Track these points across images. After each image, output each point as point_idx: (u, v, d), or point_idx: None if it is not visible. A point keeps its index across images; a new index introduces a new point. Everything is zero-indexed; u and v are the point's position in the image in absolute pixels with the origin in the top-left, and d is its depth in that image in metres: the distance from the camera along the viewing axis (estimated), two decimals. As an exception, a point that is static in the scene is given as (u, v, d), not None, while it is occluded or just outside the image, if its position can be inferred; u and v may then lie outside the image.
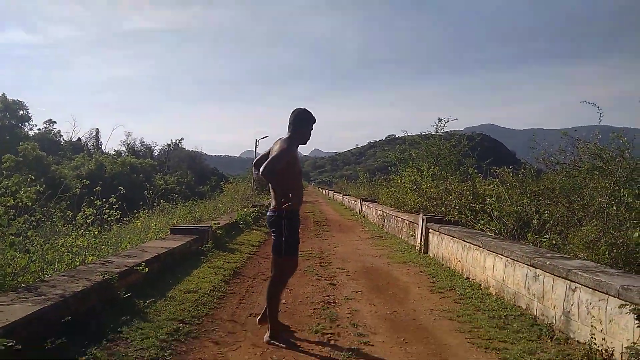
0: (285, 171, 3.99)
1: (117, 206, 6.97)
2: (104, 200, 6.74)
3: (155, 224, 9.24)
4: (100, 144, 69.83)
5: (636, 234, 4.62)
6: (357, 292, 6.03)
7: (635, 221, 4.85)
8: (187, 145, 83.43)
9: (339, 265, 7.84)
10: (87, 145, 66.22)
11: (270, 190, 4.13)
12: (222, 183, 23.30)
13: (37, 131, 60.07)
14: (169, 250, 6.55)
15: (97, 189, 6.51)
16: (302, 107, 4.26)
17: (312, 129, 4.27)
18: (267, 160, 3.92)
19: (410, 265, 8.14)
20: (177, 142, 77.31)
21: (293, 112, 4.22)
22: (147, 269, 5.28)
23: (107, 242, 6.98)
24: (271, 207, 4.14)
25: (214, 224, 9.52)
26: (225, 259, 7.58)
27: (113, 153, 58.16)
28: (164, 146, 76.47)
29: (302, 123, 4.21)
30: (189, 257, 7.21)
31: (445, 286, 6.45)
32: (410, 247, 9.92)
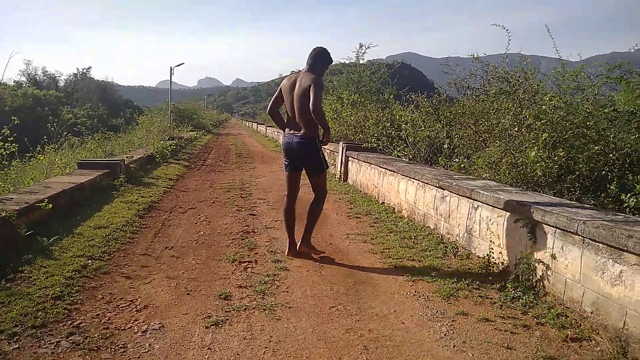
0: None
1: (12, 139, 6.38)
2: (-1, 133, 6.16)
3: (61, 159, 8.67)
4: (-4, 75, 63.33)
5: (533, 153, 4.93)
6: (276, 221, 6.06)
7: (533, 141, 5.15)
8: (97, 75, 77.67)
9: (260, 196, 7.83)
10: (-20, 76, 59.78)
11: (298, 120, 4.41)
12: (136, 115, 22.08)
13: None
14: (76, 185, 6.18)
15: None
16: (323, 47, 4.54)
17: (327, 69, 4.72)
18: (312, 101, 4.19)
19: (330, 193, 8.26)
20: (85, 71, 71.68)
21: (315, 49, 4.51)
22: (50, 205, 4.96)
23: (6, 178, 6.46)
24: (301, 134, 4.44)
25: (127, 157, 9.09)
26: (139, 194, 7.30)
27: (12, 84, 52.94)
28: (70, 76, 70.69)
29: (321, 61, 4.51)
30: (100, 193, 6.87)
31: (362, 211, 6.67)
32: (331, 176, 10.08)
